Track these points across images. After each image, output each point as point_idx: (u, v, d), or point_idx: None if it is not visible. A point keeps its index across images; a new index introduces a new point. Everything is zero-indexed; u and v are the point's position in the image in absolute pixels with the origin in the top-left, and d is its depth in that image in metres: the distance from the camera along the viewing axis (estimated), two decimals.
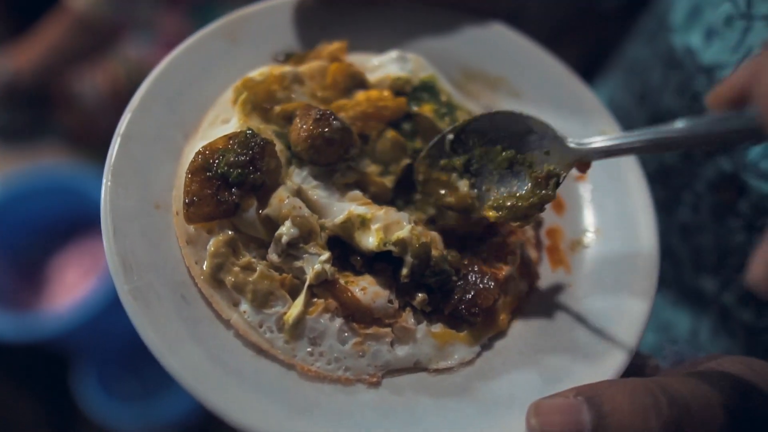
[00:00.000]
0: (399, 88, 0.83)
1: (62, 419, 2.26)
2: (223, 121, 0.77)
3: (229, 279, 0.68)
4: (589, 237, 0.82)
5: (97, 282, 2.00)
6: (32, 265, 2.23)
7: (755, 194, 0.86)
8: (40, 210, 2.18)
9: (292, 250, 0.69)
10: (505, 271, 0.75)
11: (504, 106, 0.90)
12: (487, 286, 0.73)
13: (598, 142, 0.70)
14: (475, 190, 0.77)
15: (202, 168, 0.68)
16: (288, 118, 0.77)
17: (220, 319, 0.68)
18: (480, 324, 0.73)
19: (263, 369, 0.66)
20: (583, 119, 0.88)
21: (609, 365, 0.70)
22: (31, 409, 2.23)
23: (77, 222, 2.20)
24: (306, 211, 0.71)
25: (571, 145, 0.72)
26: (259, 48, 0.84)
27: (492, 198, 0.76)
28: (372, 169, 0.78)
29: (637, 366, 0.73)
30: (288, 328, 0.67)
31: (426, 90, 0.83)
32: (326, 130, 0.72)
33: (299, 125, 0.72)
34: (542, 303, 0.78)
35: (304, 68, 0.81)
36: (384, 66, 0.84)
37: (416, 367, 0.71)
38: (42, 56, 2.15)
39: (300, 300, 0.68)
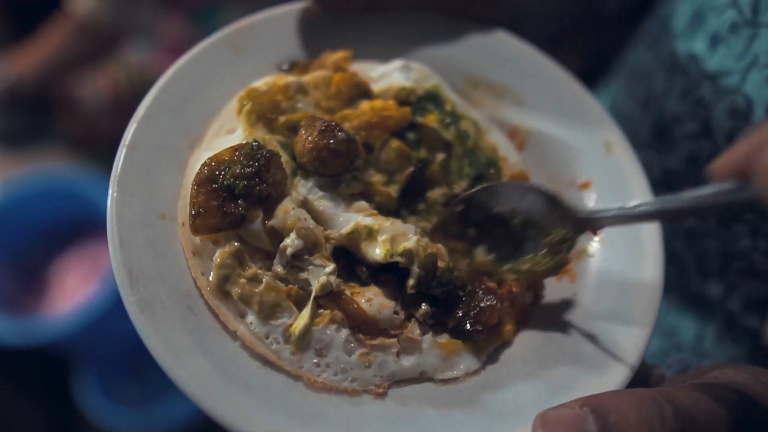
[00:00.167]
0: (404, 98, 0.83)
1: (63, 423, 2.26)
2: (228, 131, 0.77)
3: (236, 290, 0.68)
4: (594, 246, 0.82)
5: (98, 286, 2.00)
6: (33, 268, 2.23)
7: None
8: (41, 214, 2.18)
9: (297, 261, 0.69)
10: (514, 288, 0.75)
11: (508, 115, 0.90)
12: (493, 304, 0.73)
13: (608, 212, 0.71)
14: (493, 254, 0.78)
15: (208, 180, 0.68)
16: (293, 128, 0.77)
17: (226, 331, 0.68)
18: (485, 337, 0.73)
19: (270, 380, 0.66)
20: (587, 127, 0.88)
21: (614, 375, 0.70)
22: (32, 412, 2.23)
23: (78, 226, 2.20)
24: (311, 223, 0.71)
25: (581, 215, 0.74)
26: (263, 57, 0.84)
27: (509, 261, 0.77)
28: (376, 178, 0.78)
29: (642, 375, 0.72)
30: (294, 340, 0.67)
31: (431, 100, 0.83)
32: (332, 141, 0.71)
33: (304, 137, 0.72)
34: (547, 313, 0.78)
35: (308, 78, 0.81)
36: (388, 75, 0.84)
37: (422, 378, 0.71)
38: (44, 61, 2.15)
39: (306, 311, 0.68)
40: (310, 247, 0.70)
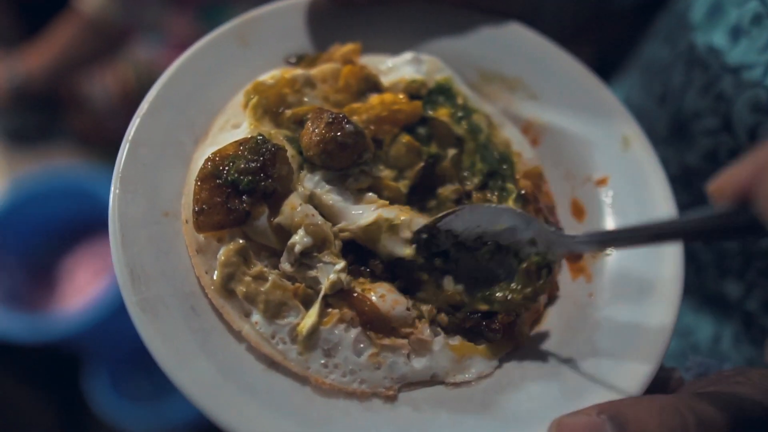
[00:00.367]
0: (414, 91, 0.81)
1: (73, 419, 2.27)
2: (234, 126, 0.75)
3: (241, 289, 0.66)
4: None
5: (107, 283, 2.01)
6: (43, 266, 2.25)
7: None
8: (50, 211, 2.20)
9: (306, 259, 0.68)
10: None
11: (522, 109, 0.88)
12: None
13: (589, 236, 0.68)
14: (461, 285, 0.73)
15: (211, 175, 0.66)
16: (299, 122, 0.75)
17: (231, 331, 0.66)
18: (499, 339, 0.71)
19: (276, 382, 0.64)
20: (604, 121, 0.85)
21: (632, 380, 0.67)
22: (42, 409, 2.25)
23: (88, 223, 2.22)
24: (319, 219, 0.69)
25: (559, 235, 0.70)
26: (270, 50, 0.82)
27: (480, 291, 0.72)
28: (386, 173, 0.76)
29: (661, 380, 0.70)
30: (301, 340, 0.66)
31: (442, 93, 0.81)
32: (339, 134, 0.70)
33: (311, 129, 0.70)
34: (562, 313, 0.76)
35: (316, 71, 0.79)
36: (398, 68, 0.83)
37: (433, 381, 0.70)
38: (53, 59, 2.16)
39: (314, 310, 0.67)
40: (319, 244, 0.68)
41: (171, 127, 0.73)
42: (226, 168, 0.66)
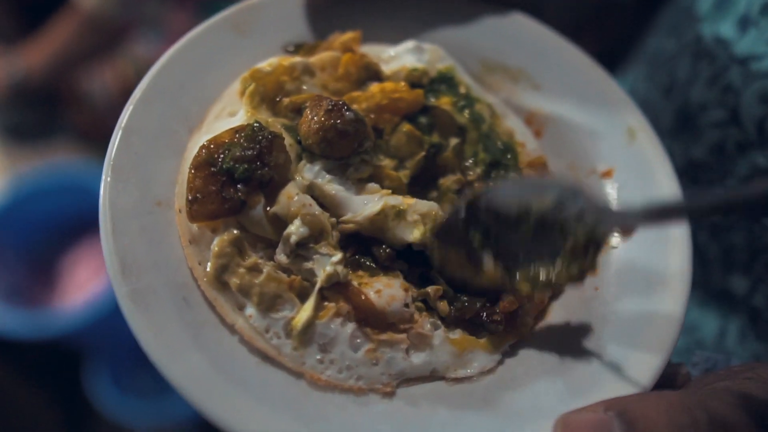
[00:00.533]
0: (416, 80, 0.79)
1: (75, 416, 2.26)
2: (230, 114, 0.73)
3: (234, 281, 0.64)
4: (617, 237, 0.78)
5: (108, 279, 2.00)
6: (44, 262, 2.24)
7: None
8: (51, 208, 2.19)
9: (302, 250, 0.66)
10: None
11: (525, 99, 0.86)
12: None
13: (643, 205, 0.63)
14: (501, 264, 0.68)
15: (206, 163, 0.65)
16: (297, 111, 0.73)
17: (224, 324, 0.64)
18: (503, 330, 0.70)
19: (270, 377, 0.63)
20: (609, 113, 0.84)
21: (639, 375, 0.66)
22: (43, 405, 2.24)
23: (88, 219, 2.21)
24: (317, 209, 0.67)
25: (611, 208, 0.65)
26: (267, 38, 0.80)
27: (523, 270, 0.67)
28: (386, 163, 0.75)
29: (667, 375, 0.68)
30: (296, 334, 0.64)
31: (444, 82, 0.80)
32: (339, 121, 0.68)
33: (310, 117, 0.69)
34: (567, 307, 0.74)
35: (315, 59, 0.78)
36: (400, 57, 0.81)
37: (433, 376, 0.68)
38: (52, 55, 2.15)
39: (309, 303, 0.65)
40: (316, 234, 0.66)
41: (165, 116, 0.71)
42: (221, 156, 0.65)
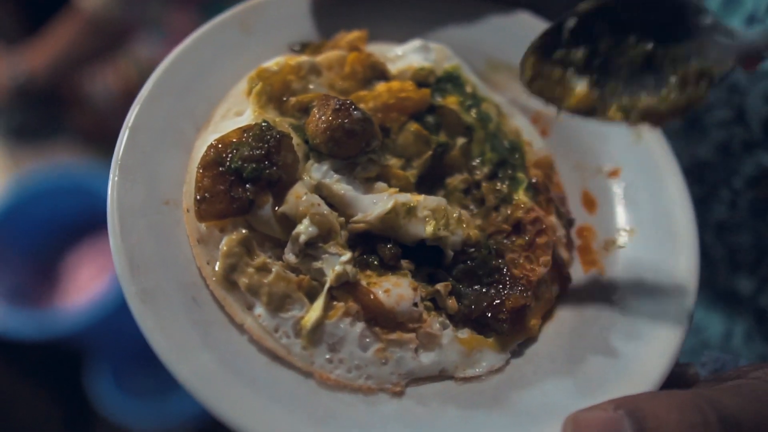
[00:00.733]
0: (422, 79, 0.79)
1: (77, 416, 2.27)
2: (237, 114, 0.73)
3: (243, 280, 0.64)
4: (624, 236, 0.78)
5: (111, 280, 2.02)
6: (46, 263, 2.25)
7: None
8: (53, 209, 2.19)
9: (311, 250, 0.66)
10: (537, 273, 0.70)
11: (530, 99, 0.85)
12: (515, 290, 0.70)
13: None
14: (597, 91, 0.62)
15: (214, 162, 0.64)
16: (304, 110, 0.73)
17: (233, 324, 0.64)
18: (509, 330, 0.69)
19: (279, 377, 0.62)
20: None
21: (648, 374, 0.65)
22: (45, 406, 2.25)
23: (91, 220, 2.22)
24: (325, 209, 0.67)
25: (737, 41, 0.56)
26: (273, 38, 0.80)
27: (619, 100, 0.61)
28: (393, 162, 0.75)
29: (675, 375, 0.68)
30: (306, 334, 0.64)
31: (450, 81, 0.80)
32: (346, 120, 0.68)
33: (317, 116, 0.68)
34: (575, 307, 0.74)
35: (321, 58, 0.77)
36: (406, 56, 0.81)
37: (442, 376, 0.68)
38: (55, 57, 2.16)
39: (319, 303, 0.64)
40: (325, 234, 0.66)
41: (172, 114, 0.71)
42: (230, 155, 0.65)
